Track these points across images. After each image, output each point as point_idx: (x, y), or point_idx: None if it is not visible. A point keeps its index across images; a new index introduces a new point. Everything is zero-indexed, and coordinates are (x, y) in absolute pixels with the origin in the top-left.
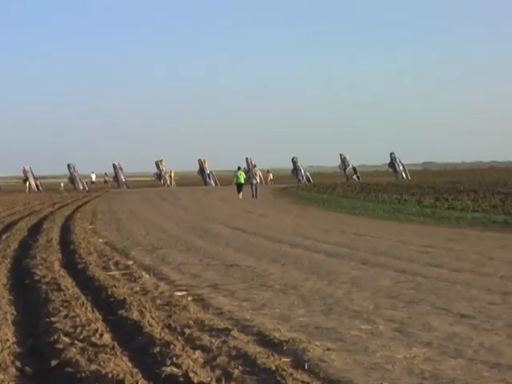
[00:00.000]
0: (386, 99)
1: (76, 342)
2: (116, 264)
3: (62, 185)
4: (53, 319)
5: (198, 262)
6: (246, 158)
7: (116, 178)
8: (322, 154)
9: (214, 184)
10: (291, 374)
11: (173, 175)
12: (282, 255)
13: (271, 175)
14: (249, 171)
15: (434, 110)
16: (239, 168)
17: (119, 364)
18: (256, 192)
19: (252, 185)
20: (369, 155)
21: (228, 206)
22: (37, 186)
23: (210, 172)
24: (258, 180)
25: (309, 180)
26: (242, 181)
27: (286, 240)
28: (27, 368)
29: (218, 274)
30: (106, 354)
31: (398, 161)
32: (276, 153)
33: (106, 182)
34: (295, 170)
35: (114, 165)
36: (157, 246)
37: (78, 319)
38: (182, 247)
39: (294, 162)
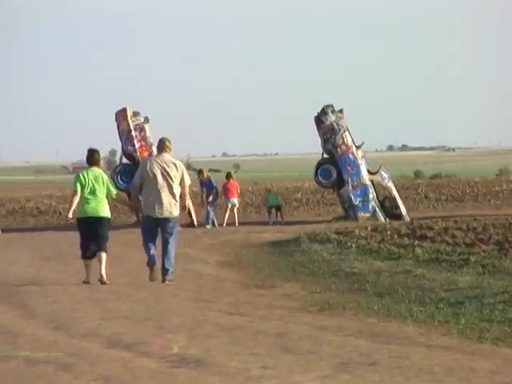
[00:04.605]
0: None
1: None
2: None
3: None
4: None
5: None
6: (120, 112)
7: None
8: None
9: None
10: None
11: None
12: None
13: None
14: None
15: None
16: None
17: None
18: (166, 254)
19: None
20: None
21: (40, 321)
22: None
23: None
24: (178, 207)
25: (394, 213)
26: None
27: None
28: None
29: None
30: None
31: None
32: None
33: None
34: (325, 165)
35: None
36: None
37: None
38: None
39: (326, 137)
